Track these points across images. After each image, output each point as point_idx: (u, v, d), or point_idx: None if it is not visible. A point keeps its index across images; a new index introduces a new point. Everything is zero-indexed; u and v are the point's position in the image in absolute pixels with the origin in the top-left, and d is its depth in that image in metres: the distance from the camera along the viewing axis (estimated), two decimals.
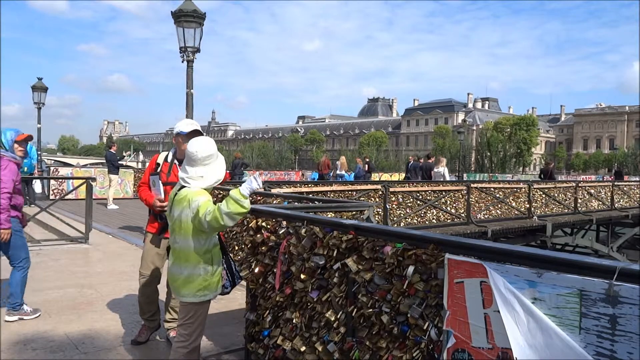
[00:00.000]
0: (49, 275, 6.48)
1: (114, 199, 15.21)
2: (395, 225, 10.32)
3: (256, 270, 3.57)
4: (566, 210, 15.51)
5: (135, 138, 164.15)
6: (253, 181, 2.85)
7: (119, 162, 16.18)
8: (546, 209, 14.76)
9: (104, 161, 18.37)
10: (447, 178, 15.97)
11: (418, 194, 11.28)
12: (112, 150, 15.74)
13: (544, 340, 1.84)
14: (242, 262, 4.50)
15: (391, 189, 10.59)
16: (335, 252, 2.87)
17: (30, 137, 4.85)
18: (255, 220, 3.66)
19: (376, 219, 9.07)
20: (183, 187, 3.14)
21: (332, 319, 2.86)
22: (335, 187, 9.97)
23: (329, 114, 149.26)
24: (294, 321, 3.16)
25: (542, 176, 21.38)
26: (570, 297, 1.80)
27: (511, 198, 13.70)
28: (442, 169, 15.92)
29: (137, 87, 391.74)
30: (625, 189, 19.15)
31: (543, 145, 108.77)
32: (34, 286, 5.91)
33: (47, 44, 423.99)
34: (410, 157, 21.18)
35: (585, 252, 16.24)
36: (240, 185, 2.90)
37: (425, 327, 2.33)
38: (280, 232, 3.38)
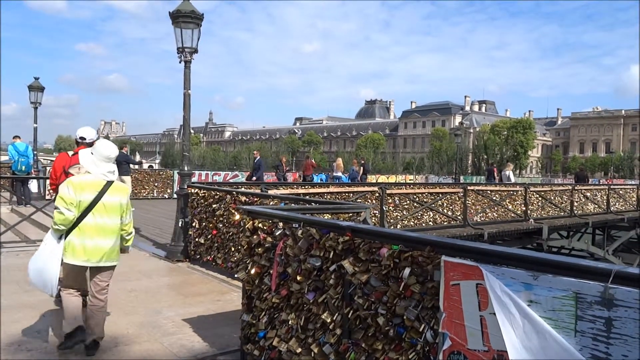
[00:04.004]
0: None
1: None
2: (392, 227, 10.33)
3: (252, 271, 3.57)
4: (562, 213, 15.55)
5: (133, 138, 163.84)
6: None
7: (137, 162, 16.02)
8: (542, 212, 14.79)
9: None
10: (512, 180, 17.41)
11: (415, 196, 11.29)
12: (123, 150, 15.53)
13: (539, 342, 1.85)
14: (239, 263, 4.49)
15: (388, 191, 10.60)
16: (332, 253, 2.87)
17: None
18: (251, 222, 3.66)
19: (373, 220, 9.08)
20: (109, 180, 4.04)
21: (328, 320, 2.86)
22: (332, 189, 9.97)
23: (327, 115, 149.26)
24: (290, 323, 3.16)
25: (576, 180, 22.12)
26: (565, 300, 1.81)
27: (507, 201, 13.72)
28: (508, 172, 17.59)
29: (135, 87, 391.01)
30: (621, 192, 19.22)
31: (540, 149, 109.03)
32: (29, 286, 5.89)
33: (45, 43, 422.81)
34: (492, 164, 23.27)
35: (581, 255, 16.27)
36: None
37: (421, 329, 2.33)
38: (277, 234, 3.38)
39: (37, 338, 4.25)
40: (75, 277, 3.99)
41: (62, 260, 3.87)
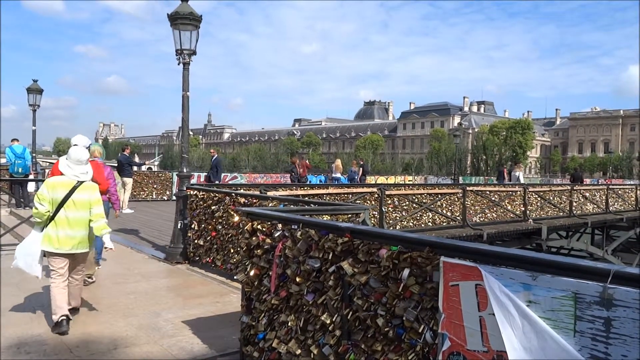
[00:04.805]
0: (43, 277, 6.43)
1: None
2: (391, 228, 10.33)
3: (252, 273, 3.57)
4: (561, 214, 15.57)
5: (132, 140, 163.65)
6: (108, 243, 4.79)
7: (139, 164, 15.65)
8: (541, 212, 14.81)
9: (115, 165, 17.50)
10: (521, 181, 17.86)
11: (414, 197, 11.30)
12: (125, 152, 15.47)
13: (538, 343, 1.85)
14: (238, 265, 4.48)
15: (387, 192, 10.60)
16: (331, 255, 2.87)
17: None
18: (250, 223, 3.66)
19: (372, 221, 9.08)
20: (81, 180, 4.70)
21: (328, 321, 2.86)
22: (331, 190, 9.97)
23: (325, 116, 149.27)
24: (289, 324, 3.16)
25: (572, 180, 22.55)
26: (564, 300, 1.81)
27: (507, 201, 13.73)
28: (518, 173, 18.06)
29: (134, 89, 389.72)
30: (619, 192, 19.25)
31: (538, 149, 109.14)
32: (27, 288, 5.89)
33: (44, 45, 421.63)
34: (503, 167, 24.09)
35: (580, 255, 16.29)
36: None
37: (420, 330, 2.33)
38: (276, 235, 3.38)
39: (36, 340, 4.25)
40: (55, 261, 4.65)
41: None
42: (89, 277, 6.05)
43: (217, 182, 14.59)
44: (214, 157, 15.74)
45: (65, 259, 4.67)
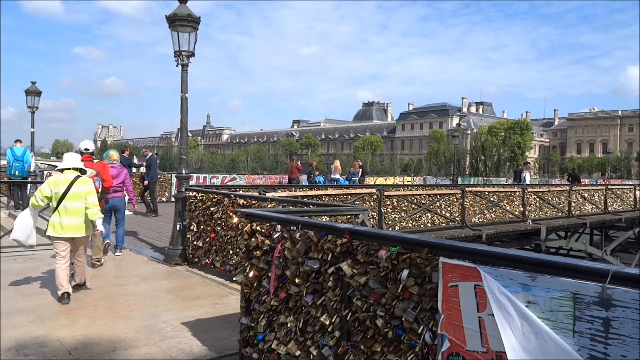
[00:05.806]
0: (42, 280, 6.44)
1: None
2: (390, 229, 10.33)
3: (251, 274, 3.56)
4: (560, 214, 15.57)
5: (130, 142, 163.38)
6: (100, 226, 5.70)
7: (139, 165, 15.72)
8: (540, 213, 14.82)
9: None
10: (527, 181, 18.04)
11: (413, 198, 11.30)
12: (125, 154, 15.40)
13: (537, 343, 1.85)
14: (237, 266, 4.48)
15: (386, 193, 10.60)
16: (330, 256, 2.87)
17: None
18: (249, 225, 3.66)
19: (371, 222, 9.08)
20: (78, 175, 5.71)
21: (327, 323, 2.86)
22: (330, 191, 9.96)
23: (324, 118, 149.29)
24: (288, 325, 3.16)
25: (569, 180, 22.99)
26: (563, 301, 1.81)
27: (505, 202, 13.74)
28: (524, 174, 18.27)
29: (132, 90, 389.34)
30: (618, 192, 19.27)
31: (537, 150, 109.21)
32: (27, 291, 5.89)
33: (42, 47, 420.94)
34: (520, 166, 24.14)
35: (579, 256, 16.30)
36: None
37: (419, 331, 2.33)
38: (275, 236, 3.38)
39: (35, 342, 4.24)
40: (59, 244, 5.53)
41: (46, 232, 5.68)
42: (97, 261, 7.27)
43: (152, 180, 15.14)
44: (148, 156, 15.80)
45: (67, 243, 5.55)
